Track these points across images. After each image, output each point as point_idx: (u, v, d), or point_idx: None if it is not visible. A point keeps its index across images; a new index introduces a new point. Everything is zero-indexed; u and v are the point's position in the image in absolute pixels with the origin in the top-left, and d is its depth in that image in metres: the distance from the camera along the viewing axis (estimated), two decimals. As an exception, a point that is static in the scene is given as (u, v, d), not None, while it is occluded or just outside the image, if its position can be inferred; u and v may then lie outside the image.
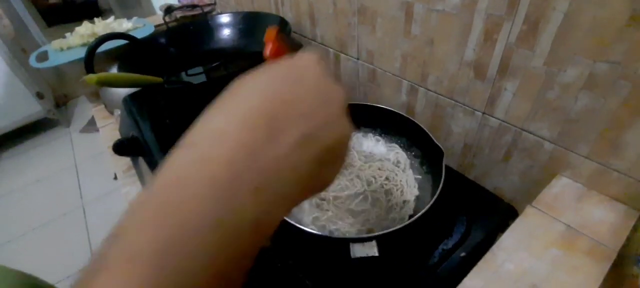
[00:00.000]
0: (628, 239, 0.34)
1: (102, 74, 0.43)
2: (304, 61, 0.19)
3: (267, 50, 0.23)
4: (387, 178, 0.46)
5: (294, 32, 0.74)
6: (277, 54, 0.23)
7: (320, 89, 0.18)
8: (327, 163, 0.18)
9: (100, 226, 1.62)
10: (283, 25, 0.68)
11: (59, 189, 1.87)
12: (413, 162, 0.50)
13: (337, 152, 0.19)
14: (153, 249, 0.13)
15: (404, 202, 0.44)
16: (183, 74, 0.74)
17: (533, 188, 0.43)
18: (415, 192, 0.45)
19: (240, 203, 0.14)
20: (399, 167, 0.48)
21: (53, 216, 1.71)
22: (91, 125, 2.26)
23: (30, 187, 1.90)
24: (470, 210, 0.44)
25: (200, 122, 0.17)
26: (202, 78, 0.71)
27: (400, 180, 0.46)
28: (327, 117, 0.18)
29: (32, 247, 1.56)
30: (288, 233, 0.36)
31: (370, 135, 0.53)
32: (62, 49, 0.86)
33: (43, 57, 0.86)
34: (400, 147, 0.51)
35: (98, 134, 2.27)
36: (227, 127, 0.16)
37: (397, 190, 0.45)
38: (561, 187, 0.40)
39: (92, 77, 0.41)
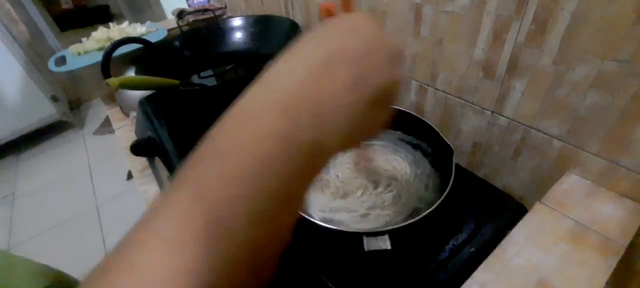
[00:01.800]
0: (636, 235, 0.34)
1: (123, 78, 0.45)
2: (356, 17, 0.22)
3: (333, 7, 0.25)
4: (397, 177, 0.47)
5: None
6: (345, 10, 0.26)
7: (371, 37, 0.20)
8: (378, 105, 0.20)
9: (114, 226, 1.66)
10: (293, 28, 0.70)
11: (74, 190, 1.91)
12: (424, 160, 0.50)
13: (387, 95, 0.21)
14: (236, 149, 0.17)
15: (417, 199, 0.45)
16: (195, 76, 0.76)
17: (543, 186, 0.44)
18: (428, 188, 0.46)
19: (301, 123, 0.17)
20: (412, 166, 0.49)
21: (68, 216, 1.76)
22: (104, 127, 2.31)
23: (45, 187, 1.96)
24: (480, 208, 0.45)
25: (276, 63, 0.20)
26: (212, 80, 0.73)
27: (413, 179, 0.47)
28: (378, 61, 0.20)
29: (47, 246, 1.60)
30: (303, 228, 0.37)
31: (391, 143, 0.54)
32: (79, 54, 0.89)
33: (61, 61, 0.89)
34: (412, 146, 0.52)
35: (111, 136, 2.32)
36: (290, 68, 0.19)
37: (409, 187, 0.46)
38: (570, 183, 0.40)
39: (115, 81, 0.43)
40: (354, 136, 0.20)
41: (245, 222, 0.16)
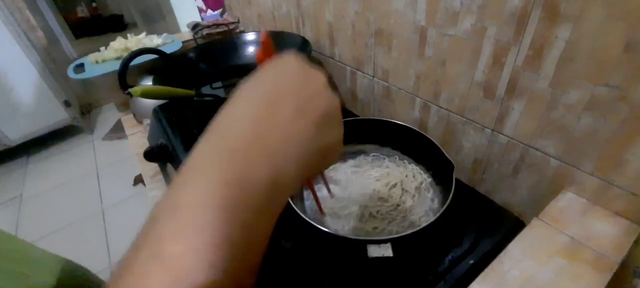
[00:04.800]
0: (629, 252, 0.36)
1: (144, 87, 0.48)
2: (285, 59, 0.25)
3: (260, 54, 0.27)
4: (405, 188, 0.49)
5: (314, 50, 0.78)
6: (267, 56, 0.27)
7: (301, 75, 0.23)
8: (324, 127, 0.23)
9: (119, 230, 1.68)
10: (304, 44, 0.73)
11: (81, 194, 1.94)
12: (426, 175, 0.52)
13: (329, 117, 0.23)
14: (195, 203, 0.17)
15: (419, 211, 0.46)
16: (208, 87, 0.80)
17: (541, 203, 0.45)
18: (429, 203, 0.48)
19: (255, 166, 0.19)
20: (415, 179, 0.51)
21: (74, 219, 1.78)
22: (113, 133, 2.35)
23: (53, 190, 1.99)
24: (480, 222, 0.47)
25: (220, 114, 0.21)
26: (222, 91, 0.76)
27: (417, 191, 0.49)
28: (311, 92, 0.23)
29: (52, 249, 1.62)
30: (309, 235, 0.39)
31: (386, 159, 0.56)
32: (97, 62, 0.93)
33: (79, 68, 0.93)
34: (415, 161, 0.54)
35: (119, 142, 2.36)
36: (239, 114, 0.21)
37: (413, 199, 0.48)
38: (567, 201, 0.42)
39: (137, 90, 0.46)
40: (310, 163, 0.22)
41: (208, 275, 0.15)
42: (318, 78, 0.24)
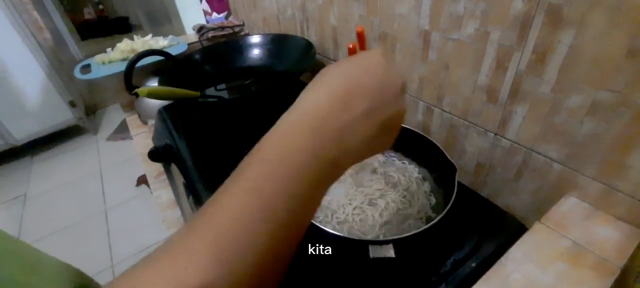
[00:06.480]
0: (632, 257, 0.36)
1: (151, 88, 0.49)
2: (372, 56, 0.27)
3: (353, 45, 0.30)
4: (407, 190, 0.49)
5: (318, 53, 0.79)
6: (361, 47, 0.31)
7: (382, 78, 0.26)
8: (386, 130, 0.26)
9: (121, 231, 1.68)
10: (308, 47, 0.73)
11: (84, 194, 1.96)
12: (429, 177, 0.53)
13: (393, 122, 0.27)
14: (278, 158, 0.22)
15: (421, 214, 0.47)
16: (212, 88, 0.80)
17: (543, 207, 0.45)
18: (432, 203, 0.48)
19: (327, 143, 0.23)
20: (418, 182, 0.51)
21: (77, 219, 1.79)
22: (117, 134, 2.37)
23: (57, 190, 2.00)
24: (482, 226, 0.47)
25: (301, 95, 0.26)
26: (226, 93, 0.77)
27: (419, 194, 0.49)
28: (386, 98, 0.26)
29: (54, 248, 1.63)
30: (313, 235, 0.39)
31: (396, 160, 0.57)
32: (103, 63, 0.94)
33: (86, 69, 0.94)
34: (418, 164, 0.54)
35: (123, 142, 2.37)
36: (319, 98, 0.25)
37: (415, 201, 0.48)
38: (569, 205, 0.42)
39: (144, 90, 0.47)
40: (365, 154, 0.26)
41: (284, 210, 0.21)
42: (395, 85, 0.26)
